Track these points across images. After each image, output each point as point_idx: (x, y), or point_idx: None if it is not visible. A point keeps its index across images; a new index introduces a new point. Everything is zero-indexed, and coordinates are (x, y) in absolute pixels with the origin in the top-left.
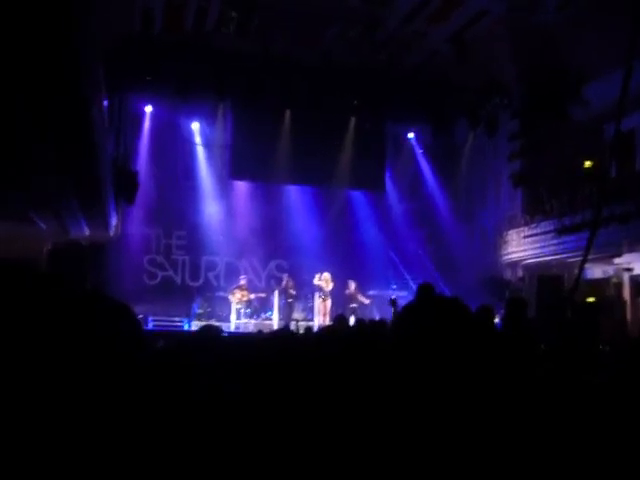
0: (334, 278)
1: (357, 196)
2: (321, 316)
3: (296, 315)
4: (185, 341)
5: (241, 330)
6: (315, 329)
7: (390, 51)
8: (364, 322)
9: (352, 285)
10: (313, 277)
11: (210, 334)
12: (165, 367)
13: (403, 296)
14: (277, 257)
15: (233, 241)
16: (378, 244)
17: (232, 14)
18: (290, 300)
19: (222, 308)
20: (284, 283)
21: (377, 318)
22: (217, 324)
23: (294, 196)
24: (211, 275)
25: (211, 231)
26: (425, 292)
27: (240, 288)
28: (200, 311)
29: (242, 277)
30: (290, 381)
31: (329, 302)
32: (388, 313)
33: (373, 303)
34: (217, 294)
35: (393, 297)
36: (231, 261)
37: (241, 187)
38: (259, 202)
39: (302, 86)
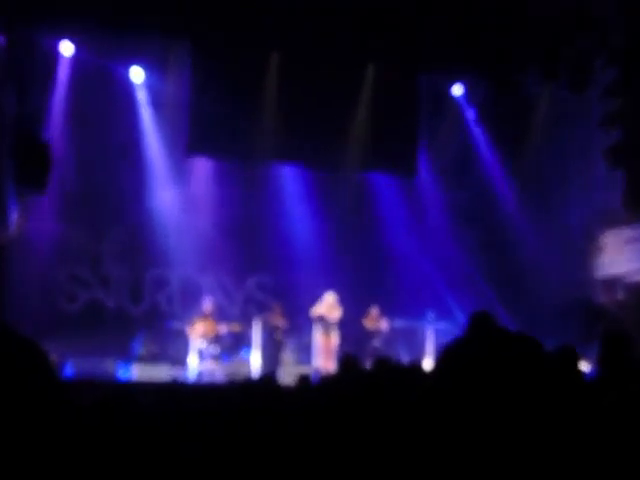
0: (342, 302)
1: (377, 182)
2: (323, 358)
3: (286, 357)
4: (121, 398)
5: (205, 379)
6: (314, 378)
7: None
8: (387, 366)
9: (374, 311)
10: (312, 301)
11: (160, 387)
12: (92, 434)
13: (444, 330)
14: (258, 271)
15: (193, 247)
16: (408, 252)
17: None
18: (277, 335)
19: (176, 346)
20: (270, 311)
21: (406, 361)
22: (168, 370)
23: (284, 181)
24: (160, 297)
25: (160, 232)
26: (479, 325)
27: (203, 317)
28: (143, 351)
29: (207, 300)
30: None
31: (335, 337)
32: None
33: (397, 338)
34: (169, 326)
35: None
36: (190, 276)
37: (204, 167)
38: (231, 189)
39: (296, 18)
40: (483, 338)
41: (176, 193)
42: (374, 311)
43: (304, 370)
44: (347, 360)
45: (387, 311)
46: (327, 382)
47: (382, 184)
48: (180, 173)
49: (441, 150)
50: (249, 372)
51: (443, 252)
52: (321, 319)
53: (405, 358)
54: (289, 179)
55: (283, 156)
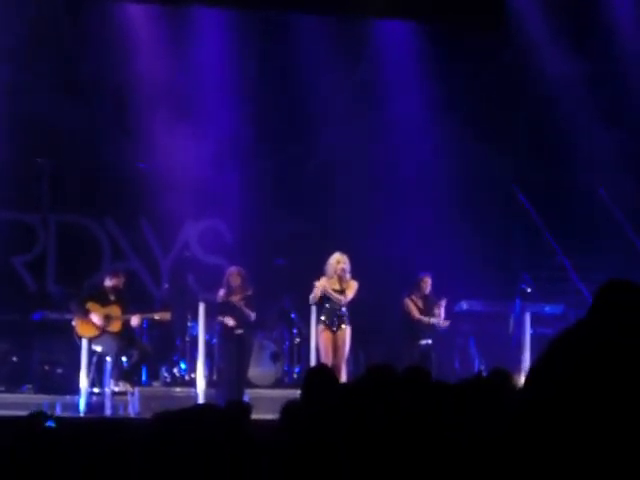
0: (359, 271)
1: (417, 38)
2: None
3: (257, 370)
4: None
5: (106, 413)
6: (304, 404)
7: None
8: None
9: (428, 283)
10: (306, 265)
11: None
12: None
13: (550, 315)
14: (206, 213)
15: (76, 171)
16: (485, 173)
17: None
18: (240, 330)
19: (56, 354)
20: (228, 280)
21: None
22: (35, 399)
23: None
24: (17, 263)
25: (16, 145)
26: (611, 302)
27: (103, 297)
28: None
29: (112, 270)
30: None
31: (348, 331)
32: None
33: (466, 332)
34: (37, 318)
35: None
36: (75, 221)
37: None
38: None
39: None
40: (619, 326)
41: None
42: (427, 283)
43: (291, 394)
44: (374, 374)
45: (444, 284)
46: (332, 413)
47: (428, 44)
48: None
49: None
50: (192, 399)
51: (546, 172)
52: (322, 300)
53: (480, 366)
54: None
55: None
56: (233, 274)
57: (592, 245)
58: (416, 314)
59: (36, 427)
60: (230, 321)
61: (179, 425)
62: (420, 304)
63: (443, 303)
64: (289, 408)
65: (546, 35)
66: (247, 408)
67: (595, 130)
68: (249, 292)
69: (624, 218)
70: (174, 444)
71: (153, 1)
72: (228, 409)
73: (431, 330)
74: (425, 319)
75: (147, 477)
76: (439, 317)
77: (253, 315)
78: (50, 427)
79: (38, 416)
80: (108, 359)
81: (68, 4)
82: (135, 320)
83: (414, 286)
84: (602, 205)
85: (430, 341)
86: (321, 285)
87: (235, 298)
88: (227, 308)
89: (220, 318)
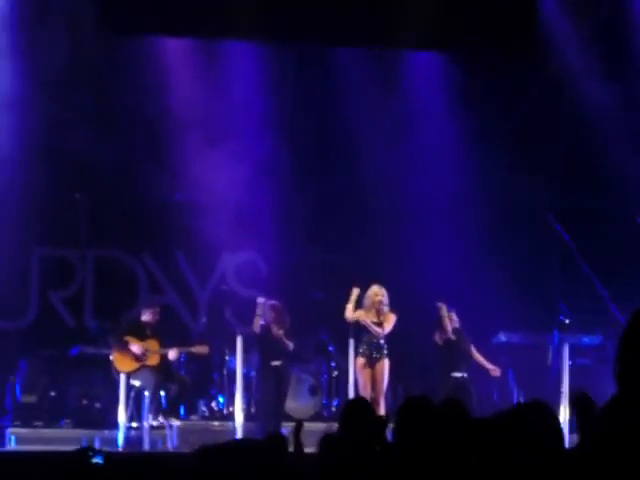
0: (398, 302)
1: (453, 67)
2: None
3: (294, 403)
4: None
5: (145, 447)
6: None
7: None
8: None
9: (451, 316)
10: (344, 298)
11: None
12: None
13: (590, 348)
14: (243, 245)
15: (113, 205)
16: (520, 200)
17: None
18: (278, 362)
19: (94, 388)
20: (265, 314)
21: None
22: (76, 433)
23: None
24: (56, 298)
25: (55, 180)
26: None
27: (140, 332)
28: (28, 398)
29: (147, 303)
30: None
31: (386, 363)
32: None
33: (502, 364)
34: (75, 352)
35: (575, 395)
36: (113, 256)
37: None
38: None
39: None
40: None
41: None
42: (451, 316)
43: (329, 427)
44: (410, 409)
45: (483, 316)
46: (372, 449)
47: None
48: None
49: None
50: (228, 432)
51: (583, 201)
52: (360, 333)
53: (519, 398)
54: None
55: (266, 26)
56: (268, 309)
57: (630, 275)
58: (448, 331)
59: (85, 462)
60: (276, 362)
61: (219, 459)
62: (453, 338)
63: (453, 315)
64: (327, 441)
65: (580, 63)
66: (284, 441)
67: (632, 158)
68: (286, 324)
69: None
70: (215, 478)
71: (187, 34)
72: (266, 442)
73: (466, 362)
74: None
75: None
76: (483, 360)
77: (291, 345)
78: (98, 463)
79: (87, 451)
80: (146, 393)
81: (104, 38)
82: (173, 354)
83: (441, 326)
84: None
85: (465, 374)
86: (360, 315)
87: (274, 329)
88: (266, 340)
89: (260, 352)
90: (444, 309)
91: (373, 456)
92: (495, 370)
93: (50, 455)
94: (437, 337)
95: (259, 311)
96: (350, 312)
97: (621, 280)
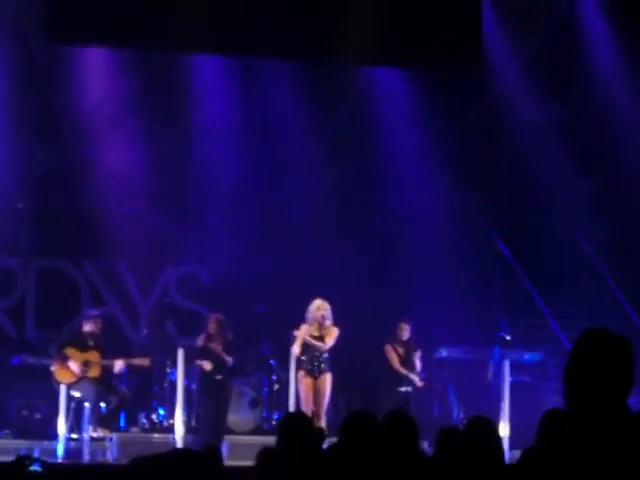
0: (340, 316)
1: (397, 82)
2: (307, 413)
3: (236, 417)
4: None
5: (84, 459)
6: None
7: None
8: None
9: (406, 330)
10: (285, 311)
11: None
12: None
13: (530, 364)
14: (185, 258)
15: (55, 215)
16: (464, 219)
17: None
18: (219, 376)
19: (34, 399)
20: (209, 327)
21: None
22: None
23: (229, 87)
24: None
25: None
26: (592, 347)
27: (81, 343)
28: None
29: (90, 314)
30: None
31: (328, 377)
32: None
33: (444, 379)
34: (15, 362)
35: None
36: (54, 266)
37: (80, 59)
38: (132, 102)
39: None
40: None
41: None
42: (404, 329)
43: (269, 440)
44: (354, 423)
45: (424, 331)
46: (310, 463)
47: (407, 85)
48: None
49: (524, 26)
50: (171, 445)
51: (525, 218)
52: (303, 348)
53: (459, 413)
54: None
55: (227, 40)
56: (211, 321)
57: (571, 292)
58: (395, 364)
59: (23, 471)
60: (207, 365)
61: (155, 470)
62: (401, 351)
63: (418, 354)
64: (265, 454)
65: (522, 83)
66: (220, 453)
67: (572, 177)
68: (228, 338)
69: (602, 265)
70: None
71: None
72: (202, 454)
73: (410, 378)
74: (403, 371)
75: None
76: (417, 370)
77: (230, 360)
78: (36, 471)
79: (24, 460)
80: (87, 405)
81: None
82: (119, 365)
83: (393, 333)
84: (580, 252)
85: (410, 388)
86: (301, 335)
87: (214, 344)
88: (205, 353)
89: (198, 362)
90: (407, 330)
91: (310, 469)
92: (420, 382)
93: None
94: (387, 351)
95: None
96: (296, 351)
97: (562, 298)
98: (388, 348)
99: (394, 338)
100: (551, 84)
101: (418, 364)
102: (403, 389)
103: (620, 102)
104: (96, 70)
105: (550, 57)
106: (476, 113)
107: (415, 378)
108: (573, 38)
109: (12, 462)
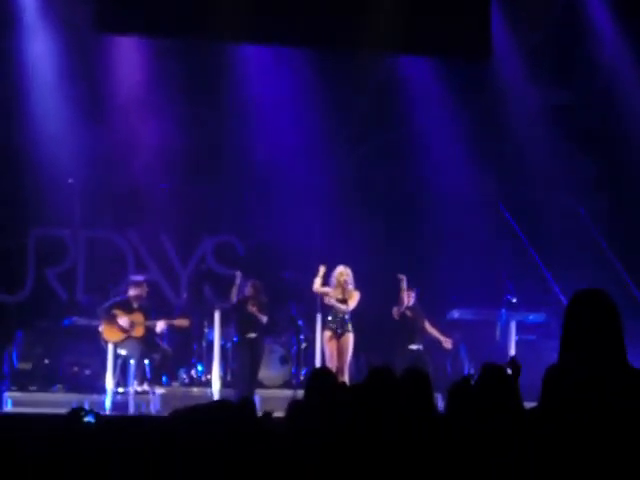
0: (362, 282)
1: (420, 71)
2: (332, 369)
3: (268, 372)
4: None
5: (130, 411)
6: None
7: None
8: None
9: (410, 297)
10: (312, 277)
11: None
12: None
13: (535, 324)
14: (218, 227)
15: (103, 189)
16: (469, 192)
17: None
18: (252, 334)
19: (84, 357)
20: (244, 290)
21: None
22: (67, 397)
23: (262, 72)
24: (51, 275)
25: (46, 165)
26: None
27: (127, 305)
28: (24, 365)
29: (133, 278)
30: None
31: (350, 337)
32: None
33: (456, 339)
34: (67, 323)
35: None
36: (103, 236)
37: (124, 47)
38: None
39: None
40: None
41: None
42: (410, 296)
43: (298, 394)
44: (375, 375)
45: (438, 295)
46: (335, 413)
47: (428, 75)
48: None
49: (530, 20)
50: (208, 399)
51: (530, 192)
52: (327, 309)
53: (470, 370)
54: (270, 68)
55: (260, 31)
56: (249, 285)
57: (572, 259)
58: (403, 303)
59: (78, 421)
60: (251, 334)
61: (195, 419)
62: (409, 315)
63: (412, 294)
64: (294, 406)
65: (526, 70)
66: (254, 404)
67: (573, 156)
68: (263, 300)
69: (600, 234)
70: (190, 434)
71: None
72: (237, 405)
73: (421, 336)
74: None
75: (168, 463)
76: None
77: (265, 318)
78: (90, 422)
79: (79, 411)
80: (132, 362)
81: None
82: (161, 326)
83: (401, 300)
84: (581, 223)
85: (421, 347)
86: (326, 290)
87: (250, 304)
88: (239, 311)
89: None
90: (404, 281)
91: (336, 420)
92: (447, 342)
93: (44, 417)
94: (395, 312)
95: (237, 281)
96: (317, 285)
97: (563, 264)
98: (395, 310)
99: (401, 305)
100: (554, 70)
101: (432, 330)
102: (414, 347)
103: (621, 86)
104: (139, 58)
105: (553, 45)
106: (486, 98)
107: (442, 338)
108: (575, 25)
109: (68, 414)
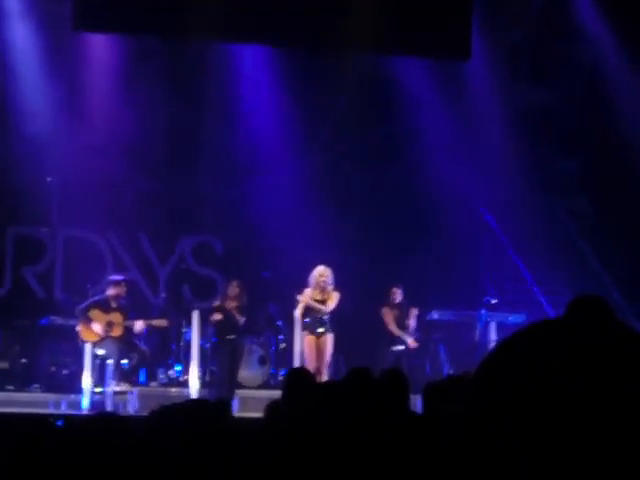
0: (342, 283)
1: (403, 70)
2: (311, 369)
3: (246, 373)
4: None
5: (108, 409)
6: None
7: None
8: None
9: (398, 294)
10: (291, 279)
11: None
12: None
13: (516, 323)
14: (200, 229)
15: (83, 186)
16: (456, 194)
17: None
18: (232, 336)
19: (62, 356)
20: (229, 290)
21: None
22: (43, 397)
23: (239, 70)
24: (28, 274)
25: (32, 164)
26: (586, 312)
27: (106, 305)
28: (1, 364)
29: (112, 278)
30: None
31: (330, 337)
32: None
33: (435, 340)
34: (45, 323)
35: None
36: (81, 235)
37: (103, 45)
38: (150, 88)
39: None
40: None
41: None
42: (398, 293)
43: (276, 394)
44: (355, 377)
45: (418, 296)
46: (315, 415)
47: (412, 74)
48: (61, 62)
49: (510, 20)
50: (186, 399)
51: (510, 193)
52: (307, 310)
53: (449, 371)
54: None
55: (243, 30)
56: (232, 285)
57: (552, 261)
58: (391, 325)
59: (47, 424)
60: (217, 316)
61: (172, 418)
62: (396, 313)
63: (415, 312)
64: (272, 407)
65: (507, 71)
66: (229, 405)
67: (555, 158)
68: (244, 302)
69: (580, 236)
70: (167, 432)
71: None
72: (215, 405)
73: (403, 338)
74: (397, 332)
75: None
76: (411, 330)
77: (243, 319)
78: (59, 425)
79: (49, 417)
80: (109, 362)
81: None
82: (139, 326)
83: (387, 297)
84: (562, 224)
85: (402, 347)
86: (304, 300)
87: (228, 303)
88: (219, 310)
89: (212, 317)
90: (399, 294)
91: (312, 420)
92: (413, 343)
93: (22, 417)
94: (384, 313)
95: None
96: (298, 313)
97: (543, 265)
98: (386, 310)
99: (389, 302)
100: (535, 72)
101: (413, 323)
102: (396, 348)
103: (602, 86)
104: (117, 56)
105: (534, 45)
106: (466, 101)
107: (408, 339)
108: (555, 26)
109: (38, 418)
